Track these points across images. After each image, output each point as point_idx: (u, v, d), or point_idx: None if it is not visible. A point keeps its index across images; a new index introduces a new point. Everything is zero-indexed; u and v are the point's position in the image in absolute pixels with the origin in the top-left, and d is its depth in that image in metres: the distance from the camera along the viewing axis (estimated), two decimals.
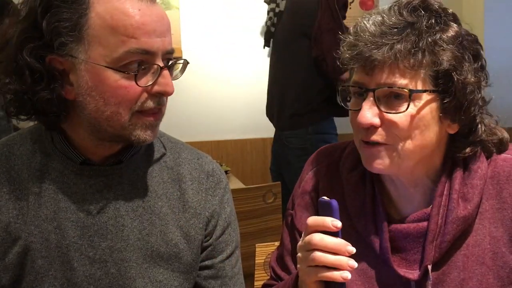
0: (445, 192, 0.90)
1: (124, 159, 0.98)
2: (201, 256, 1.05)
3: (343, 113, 1.71)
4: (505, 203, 0.90)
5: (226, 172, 2.81)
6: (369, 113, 0.86)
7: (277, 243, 1.33)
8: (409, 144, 0.86)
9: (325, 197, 0.86)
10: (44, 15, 0.85)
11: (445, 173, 0.92)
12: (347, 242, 0.82)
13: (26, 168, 0.94)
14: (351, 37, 0.88)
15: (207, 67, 3.45)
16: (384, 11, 0.88)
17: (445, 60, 0.84)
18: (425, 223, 0.90)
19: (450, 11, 0.89)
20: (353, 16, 3.46)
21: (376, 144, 0.88)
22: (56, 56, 0.86)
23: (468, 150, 0.91)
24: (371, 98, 0.86)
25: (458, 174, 0.91)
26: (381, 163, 0.89)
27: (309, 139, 2.49)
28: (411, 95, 0.84)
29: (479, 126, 0.90)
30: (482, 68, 0.90)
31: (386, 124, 0.86)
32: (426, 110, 0.86)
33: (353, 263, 0.82)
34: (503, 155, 0.94)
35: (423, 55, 0.83)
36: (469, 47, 0.87)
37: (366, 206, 0.95)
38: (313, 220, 0.84)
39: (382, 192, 0.96)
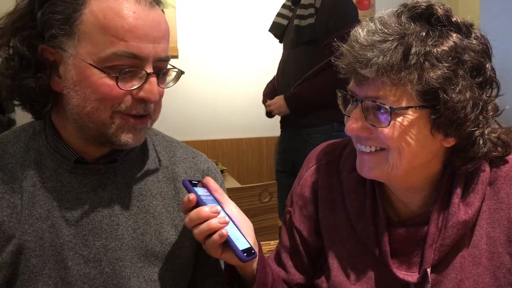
0: (446, 197, 0.90)
1: (119, 158, 0.97)
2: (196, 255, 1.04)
3: None
4: (502, 204, 0.90)
5: (221, 171, 2.80)
6: (355, 123, 0.87)
7: (273, 242, 1.33)
8: (397, 154, 0.85)
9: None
10: (42, 6, 0.86)
11: (445, 179, 0.91)
12: (208, 206, 0.87)
13: (19, 166, 0.94)
14: (345, 46, 0.87)
15: (203, 66, 3.44)
16: (384, 16, 0.86)
17: (432, 78, 0.80)
18: (425, 227, 0.90)
19: (454, 19, 0.85)
20: None
21: (368, 151, 0.88)
22: (47, 46, 0.87)
23: (468, 166, 0.88)
24: (360, 108, 0.86)
25: (460, 179, 0.90)
26: (370, 170, 0.89)
27: (334, 136, 2.48)
28: (392, 112, 0.82)
29: (479, 141, 0.86)
30: (487, 82, 0.86)
31: (374, 133, 0.86)
32: (412, 125, 0.84)
33: (224, 219, 0.86)
34: None
35: (408, 72, 0.80)
36: (470, 60, 0.83)
37: (366, 208, 0.95)
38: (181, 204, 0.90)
39: (382, 194, 0.96)
